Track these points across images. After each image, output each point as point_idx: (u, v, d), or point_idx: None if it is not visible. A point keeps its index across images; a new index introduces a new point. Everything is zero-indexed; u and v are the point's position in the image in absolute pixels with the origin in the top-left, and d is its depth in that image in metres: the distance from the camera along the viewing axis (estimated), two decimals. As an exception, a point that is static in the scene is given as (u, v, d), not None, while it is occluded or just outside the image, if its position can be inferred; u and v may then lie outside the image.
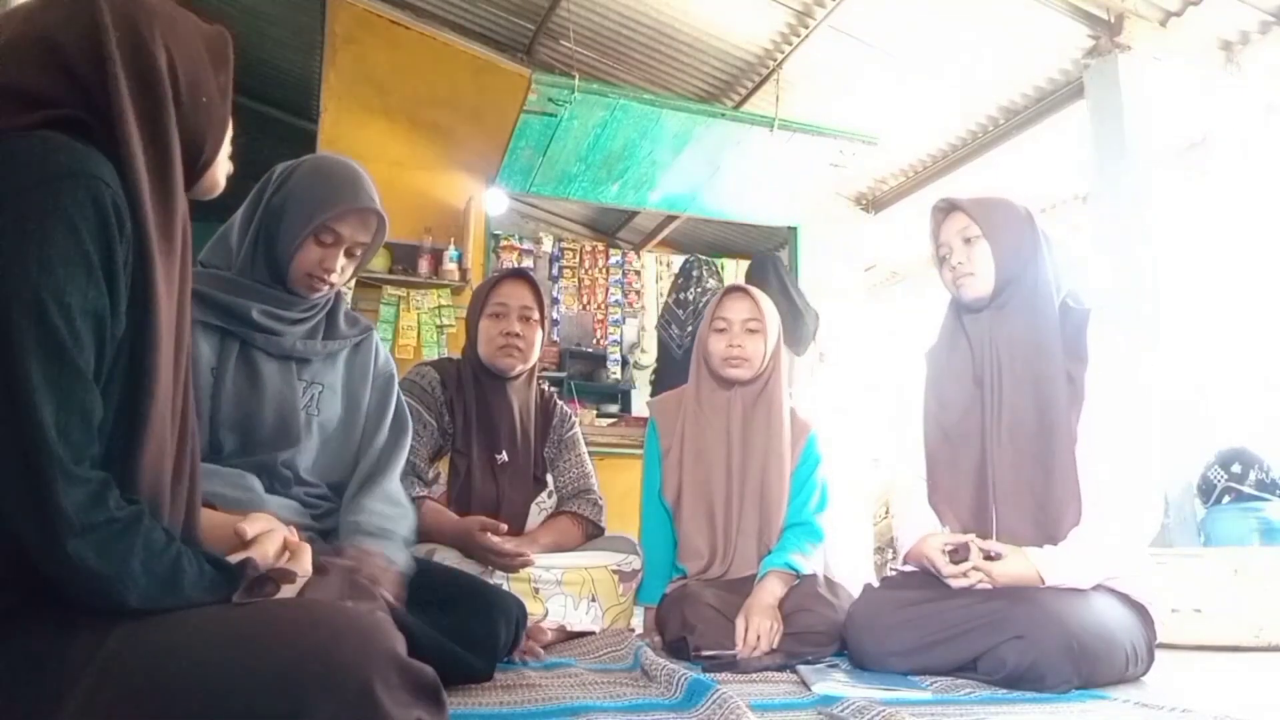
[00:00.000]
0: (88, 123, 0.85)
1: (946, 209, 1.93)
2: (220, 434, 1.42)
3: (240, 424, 1.44)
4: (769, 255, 4.07)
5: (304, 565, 1.08)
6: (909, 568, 1.91)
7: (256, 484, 1.41)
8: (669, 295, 4.18)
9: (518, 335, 2.15)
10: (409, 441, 1.67)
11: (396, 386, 1.69)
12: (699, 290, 4.10)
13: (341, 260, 1.51)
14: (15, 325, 0.76)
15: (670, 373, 3.73)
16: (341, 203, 1.48)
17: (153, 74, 0.88)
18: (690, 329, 3.82)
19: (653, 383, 4.19)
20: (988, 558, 1.72)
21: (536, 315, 2.20)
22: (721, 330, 2.22)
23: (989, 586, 1.71)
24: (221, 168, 1.01)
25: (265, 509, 1.28)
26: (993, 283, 1.85)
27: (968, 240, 1.87)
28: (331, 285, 1.52)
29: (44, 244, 0.78)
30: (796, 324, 3.71)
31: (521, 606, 1.72)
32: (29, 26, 0.86)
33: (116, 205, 0.82)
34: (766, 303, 2.25)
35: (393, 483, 1.59)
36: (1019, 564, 1.69)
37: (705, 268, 4.28)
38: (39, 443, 0.75)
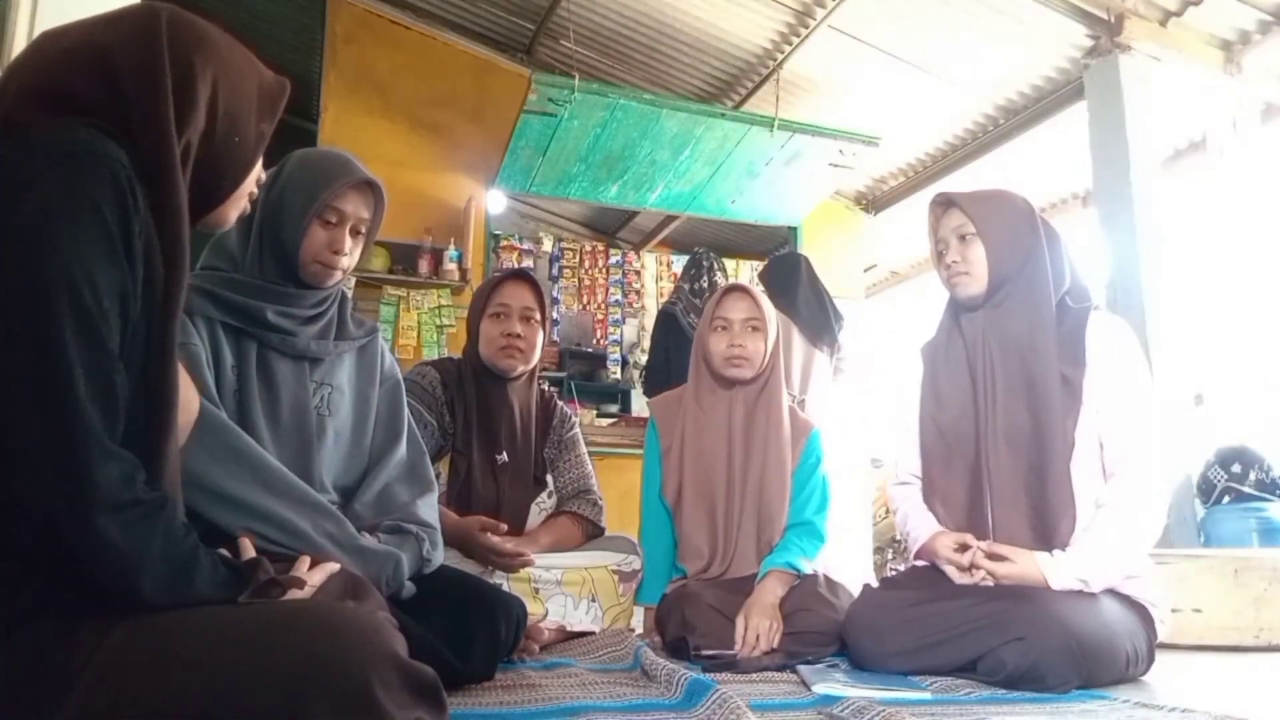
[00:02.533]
0: (116, 132, 0.86)
1: (944, 204, 1.91)
2: (249, 433, 1.42)
3: (266, 424, 1.45)
4: (800, 255, 4.00)
5: (314, 578, 1.09)
6: (920, 563, 1.92)
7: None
8: (684, 284, 4.12)
9: (519, 336, 2.15)
10: (428, 462, 1.68)
11: (404, 395, 1.69)
12: (709, 280, 4.09)
13: (348, 241, 1.53)
14: (52, 304, 0.77)
15: (680, 361, 3.66)
16: (339, 179, 1.50)
17: (190, 106, 0.90)
18: None
19: (651, 375, 4.09)
20: (992, 558, 1.72)
21: (538, 316, 2.20)
22: (722, 329, 2.21)
23: (991, 585, 1.71)
24: (235, 206, 1.02)
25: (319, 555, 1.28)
26: (986, 281, 1.83)
27: (963, 238, 1.85)
28: (343, 270, 1.53)
29: (71, 224, 0.79)
30: (824, 323, 3.68)
31: (522, 607, 1.72)
32: (91, 37, 0.89)
33: (131, 183, 0.84)
34: (766, 301, 2.25)
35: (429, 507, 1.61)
36: (1025, 567, 1.69)
37: (713, 259, 4.26)
38: (76, 419, 0.76)
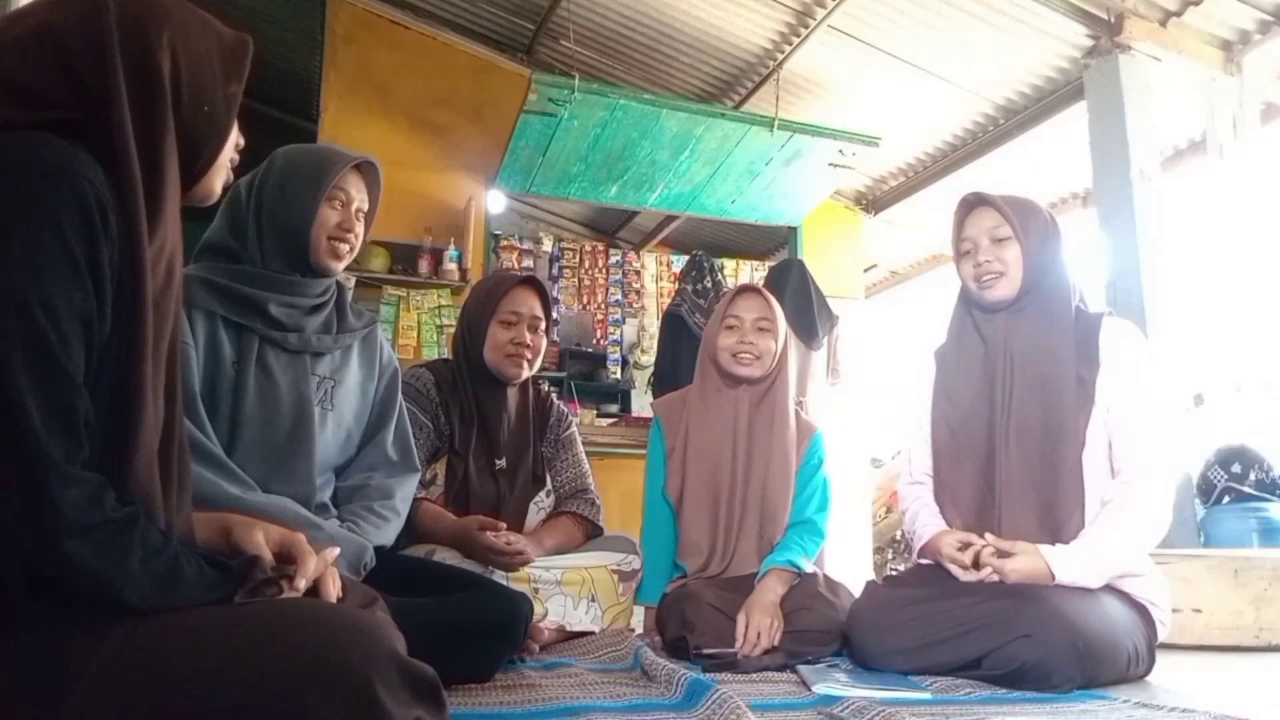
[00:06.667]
0: (82, 124, 0.84)
1: (975, 203, 1.90)
2: (243, 428, 1.45)
3: (261, 419, 1.47)
4: (795, 260, 4.25)
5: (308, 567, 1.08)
6: (925, 560, 1.92)
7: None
8: (687, 285, 4.16)
9: (528, 345, 2.17)
10: (413, 445, 1.76)
11: (400, 382, 1.76)
12: (712, 281, 4.13)
13: (355, 221, 1.59)
14: (2, 330, 0.75)
15: (688, 363, 3.69)
16: (339, 162, 1.56)
17: (154, 79, 0.87)
18: None
19: (659, 378, 4.12)
20: (999, 556, 1.72)
21: (544, 324, 2.22)
22: (733, 327, 2.23)
23: (996, 580, 1.71)
24: (219, 175, 1.00)
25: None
26: (1019, 285, 1.83)
27: (998, 240, 1.84)
28: (352, 248, 1.59)
29: (29, 246, 0.77)
30: (807, 323, 3.73)
31: (530, 603, 1.73)
32: (37, 24, 0.86)
33: (101, 204, 0.81)
34: (776, 305, 2.27)
35: (396, 490, 1.67)
36: (1031, 560, 1.69)
37: (712, 261, 4.31)
38: (31, 447, 0.75)
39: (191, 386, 1.40)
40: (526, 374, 2.20)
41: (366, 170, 1.62)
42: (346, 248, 1.58)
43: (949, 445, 1.91)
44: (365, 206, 1.62)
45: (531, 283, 2.24)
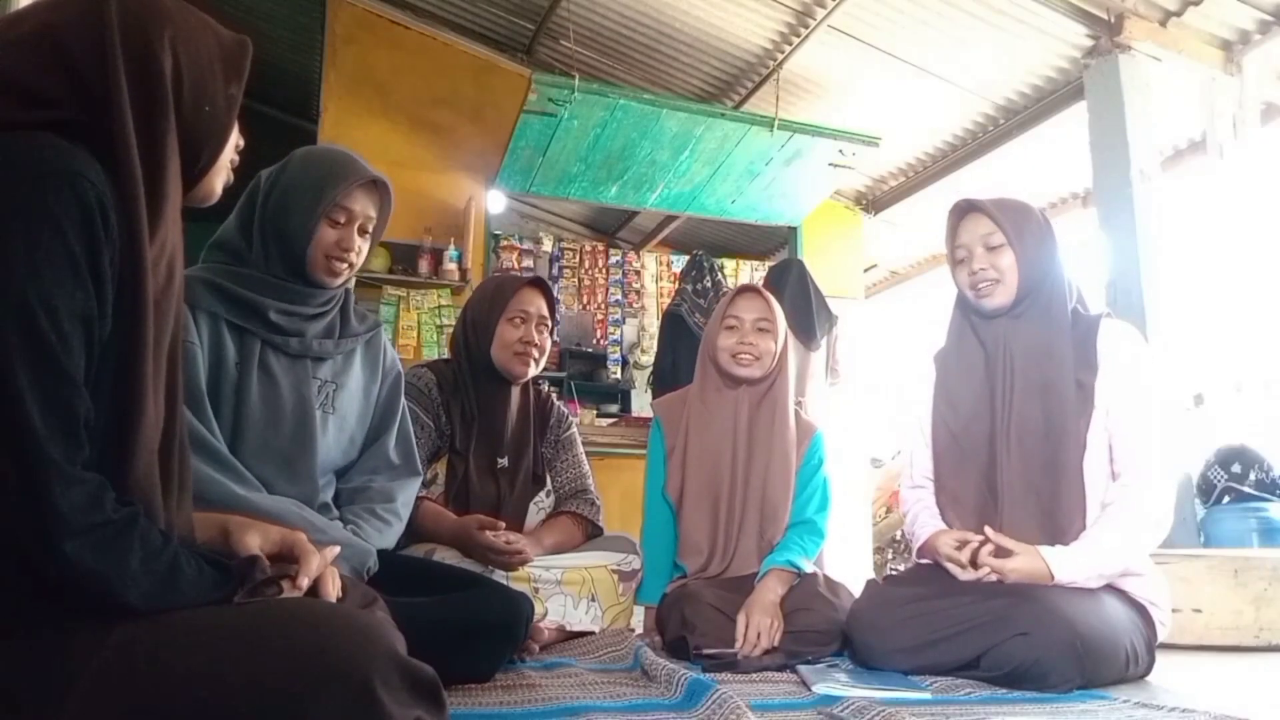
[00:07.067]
0: (83, 124, 0.84)
1: (966, 210, 1.89)
2: (246, 429, 1.45)
3: (264, 420, 1.47)
4: (795, 260, 4.30)
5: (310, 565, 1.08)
6: (924, 560, 1.92)
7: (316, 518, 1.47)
8: (687, 285, 4.16)
9: (536, 345, 2.17)
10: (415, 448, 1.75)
11: (403, 385, 1.75)
12: (712, 280, 4.13)
13: (357, 239, 1.55)
14: (3, 332, 0.75)
15: (688, 363, 3.69)
16: (345, 179, 1.52)
17: (155, 78, 0.87)
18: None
19: (659, 378, 4.12)
20: (999, 554, 1.72)
21: (550, 324, 2.24)
22: (732, 328, 2.23)
23: (995, 579, 1.71)
24: (219, 176, 1.00)
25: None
26: (1015, 292, 1.83)
27: (991, 248, 1.83)
28: (351, 265, 1.55)
29: (30, 246, 0.77)
30: (806, 323, 3.73)
31: (530, 603, 1.73)
32: (38, 24, 0.86)
33: (101, 204, 0.81)
34: (776, 305, 2.27)
35: (397, 494, 1.67)
36: (1030, 560, 1.69)
37: (712, 260, 4.31)
38: (31, 447, 0.75)
39: (198, 385, 1.40)
40: (533, 372, 2.21)
41: (377, 183, 1.58)
42: (344, 266, 1.53)
43: (950, 449, 1.91)
44: (371, 224, 1.58)
45: (539, 284, 2.26)
